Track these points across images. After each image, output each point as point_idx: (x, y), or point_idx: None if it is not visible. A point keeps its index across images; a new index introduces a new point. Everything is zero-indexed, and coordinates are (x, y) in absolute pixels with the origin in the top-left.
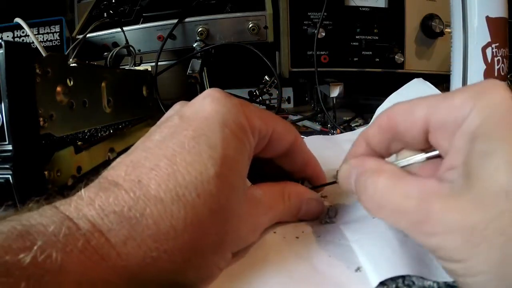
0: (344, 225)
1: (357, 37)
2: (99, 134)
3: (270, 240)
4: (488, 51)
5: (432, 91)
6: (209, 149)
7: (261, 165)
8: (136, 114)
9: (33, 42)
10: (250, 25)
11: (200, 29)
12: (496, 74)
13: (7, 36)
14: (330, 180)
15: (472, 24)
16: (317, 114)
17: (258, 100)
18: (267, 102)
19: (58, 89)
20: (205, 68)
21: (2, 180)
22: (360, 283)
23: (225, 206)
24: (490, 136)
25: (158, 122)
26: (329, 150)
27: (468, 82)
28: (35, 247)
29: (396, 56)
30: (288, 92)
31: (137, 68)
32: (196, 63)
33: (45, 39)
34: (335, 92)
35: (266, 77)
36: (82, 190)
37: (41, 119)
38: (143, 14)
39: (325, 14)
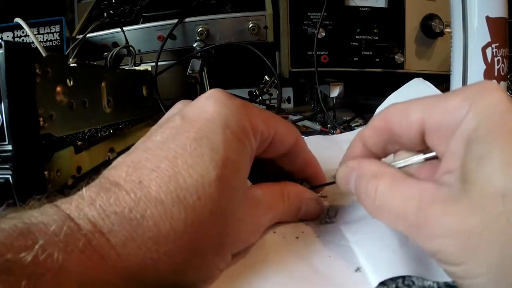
0: (344, 225)
1: (357, 37)
2: (99, 134)
3: (270, 240)
4: (488, 51)
5: (432, 91)
6: (210, 152)
7: (261, 165)
8: (136, 114)
9: (33, 42)
10: (250, 25)
11: (200, 29)
12: (496, 74)
13: (7, 36)
14: (330, 180)
15: (472, 24)
16: (317, 114)
17: (258, 100)
18: (267, 102)
19: (58, 89)
20: (205, 68)
21: (2, 180)
22: (360, 283)
23: (226, 209)
24: (486, 139)
25: (160, 122)
26: (329, 150)
27: (468, 82)
28: (37, 246)
29: (396, 56)
30: (288, 92)
31: (137, 68)
32: (196, 63)
33: (45, 39)
34: (335, 92)
35: (266, 77)
36: (83, 189)
37: (41, 119)
38: (143, 14)
39: (325, 14)
